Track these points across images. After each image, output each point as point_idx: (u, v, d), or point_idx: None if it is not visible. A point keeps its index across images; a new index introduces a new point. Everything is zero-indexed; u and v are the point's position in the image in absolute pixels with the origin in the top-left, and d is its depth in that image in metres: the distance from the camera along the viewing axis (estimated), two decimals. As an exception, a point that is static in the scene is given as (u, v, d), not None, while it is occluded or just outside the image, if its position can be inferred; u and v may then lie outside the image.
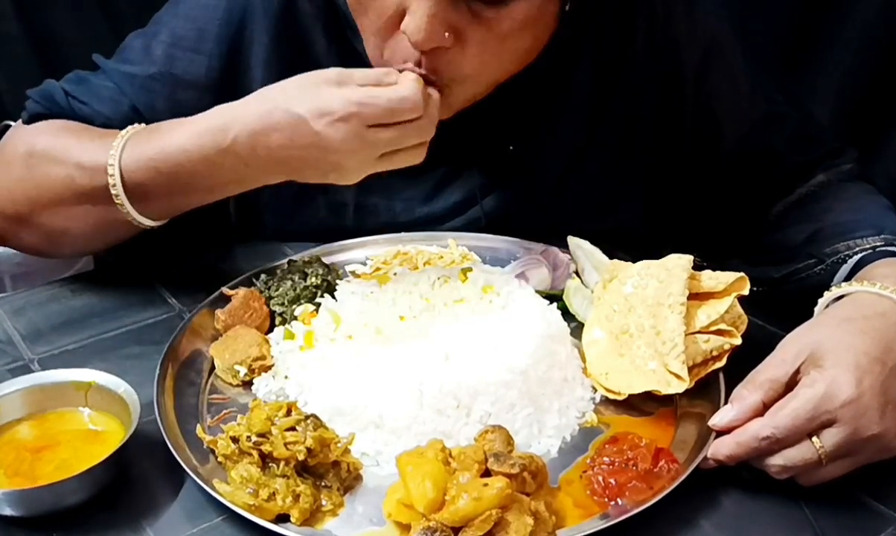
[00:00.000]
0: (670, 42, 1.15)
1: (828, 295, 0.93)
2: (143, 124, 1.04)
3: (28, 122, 1.11)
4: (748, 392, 0.84)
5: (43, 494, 0.78)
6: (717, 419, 0.84)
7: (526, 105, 1.15)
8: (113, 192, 1.00)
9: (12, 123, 1.13)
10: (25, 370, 0.99)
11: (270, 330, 1.02)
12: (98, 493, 0.80)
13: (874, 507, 0.83)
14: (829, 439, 0.79)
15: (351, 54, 1.11)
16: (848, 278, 1.00)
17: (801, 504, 0.82)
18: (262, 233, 1.24)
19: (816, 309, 0.93)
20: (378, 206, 1.20)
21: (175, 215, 1.06)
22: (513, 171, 1.19)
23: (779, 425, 0.80)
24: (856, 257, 1.01)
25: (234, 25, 1.12)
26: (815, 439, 0.80)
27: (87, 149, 1.02)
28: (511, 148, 1.17)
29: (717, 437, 0.83)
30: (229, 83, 1.13)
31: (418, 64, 0.96)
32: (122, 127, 1.05)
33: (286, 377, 0.94)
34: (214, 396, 0.94)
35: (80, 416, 0.87)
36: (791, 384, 0.83)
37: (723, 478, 0.83)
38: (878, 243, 1.01)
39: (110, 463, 0.80)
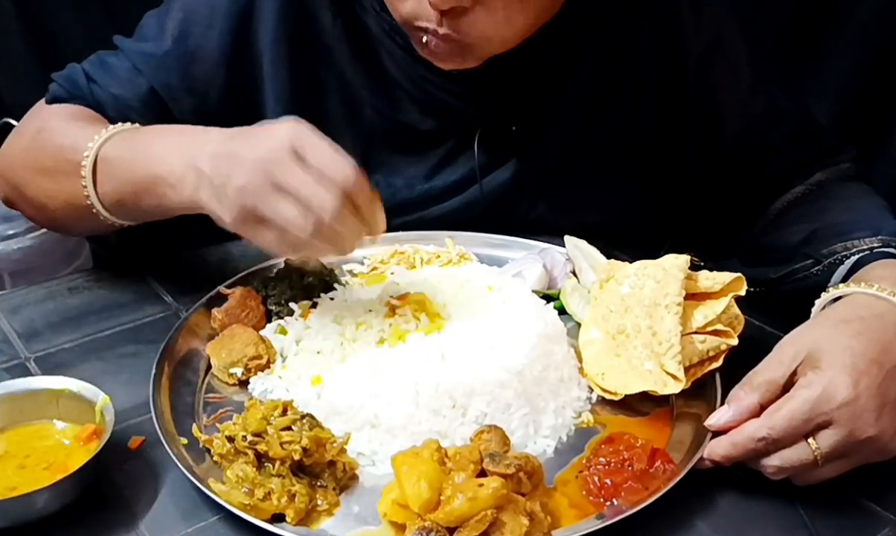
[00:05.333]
0: (675, 32, 1.16)
1: (825, 296, 0.93)
2: (134, 125, 1.04)
3: (50, 102, 1.14)
4: (745, 394, 0.84)
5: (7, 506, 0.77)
6: (714, 420, 0.84)
7: (530, 87, 1.15)
8: (82, 174, 1.00)
9: (12, 121, 1.14)
10: (22, 368, 0.99)
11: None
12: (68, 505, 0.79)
13: (870, 508, 0.83)
14: (826, 440, 0.79)
15: (359, 29, 1.12)
16: (845, 279, 0.99)
17: (796, 506, 0.82)
18: None
19: (814, 310, 0.93)
20: (379, 182, 1.20)
21: (140, 220, 1.05)
22: (514, 152, 1.19)
23: (775, 426, 0.80)
24: (853, 259, 1.00)
25: (243, 1, 1.14)
26: (811, 440, 0.80)
27: (81, 132, 1.03)
28: (514, 128, 1.17)
29: (713, 438, 0.83)
30: (240, 58, 1.15)
31: (439, 24, 0.96)
32: (140, 108, 1.10)
33: (280, 378, 0.94)
34: (210, 395, 0.94)
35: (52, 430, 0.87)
36: (788, 385, 0.83)
37: (718, 479, 0.83)
38: (876, 245, 1.00)
39: (79, 477, 0.79)
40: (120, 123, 1.03)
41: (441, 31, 0.97)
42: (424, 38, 1.00)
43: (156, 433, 0.84)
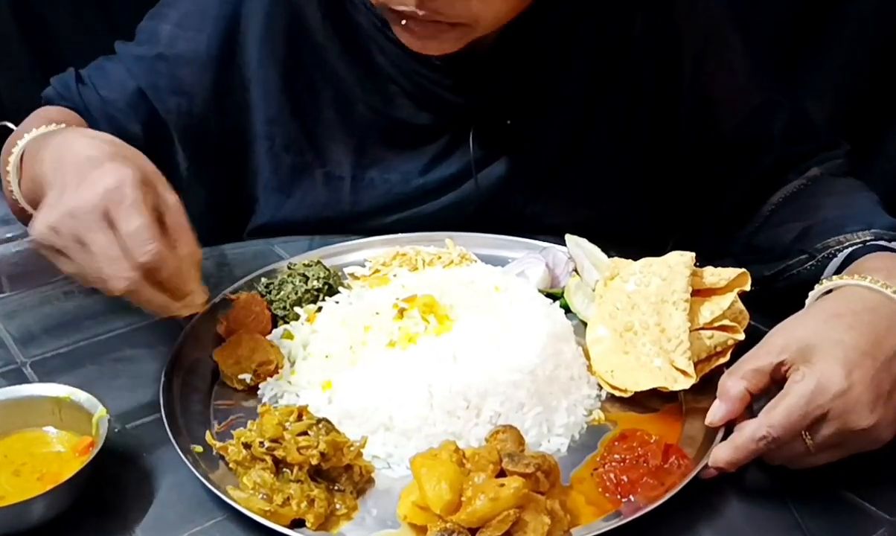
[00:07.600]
0: (671, 26, 1.16)
1: (818, 288, 0.92)
2: (64, 125, 1.02)
3: (43, 103, 1.18)
4: (732, 383, 0.84)
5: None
6: (711, 418, 0.85)
7: (525, 81, 1.15)
8: (10, 159, 1.02)
9: (10, 125, 1.12)
10: (17, 373, 0.98)
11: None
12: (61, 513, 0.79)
13: (865, 509, 0.83)
14: (820, 431, 0.79)
15: (349, 26, 1.12)
16: (838, 272, 0.99)
17: (791, 508, 0.82)
18: (260, 212, 1.24)
19: (807, 302, 0.93)
20: (374, 179, 1.20)
21: None
22: (510, 147, 1.19)
23: (774, 424, 0.79)
24: (846, 252, 1.01)
25: (232, 3, 1.16)
26: (805, 433, 0.80)
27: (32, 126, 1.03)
28: (508, 122, 1.17)
29: (724, 436, 0.83)
30: (227, 60, 1.17)
31: (418, 6, 0.96)
32: (126, 109, 1.15)
33: (290, 383, 0.93)
34: (220, 402, 0.93)
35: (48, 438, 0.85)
36: (775, 375, 0.83)
37: (714, 481, 0.83)
38: (869, 238, 1.01)
39: (69, 486, 0.78)
40: (54, 125, 1.02)
41: (420, 13, 0.97)
42: (404, 21, 1.00)
43: (153, 439, 0.84)
